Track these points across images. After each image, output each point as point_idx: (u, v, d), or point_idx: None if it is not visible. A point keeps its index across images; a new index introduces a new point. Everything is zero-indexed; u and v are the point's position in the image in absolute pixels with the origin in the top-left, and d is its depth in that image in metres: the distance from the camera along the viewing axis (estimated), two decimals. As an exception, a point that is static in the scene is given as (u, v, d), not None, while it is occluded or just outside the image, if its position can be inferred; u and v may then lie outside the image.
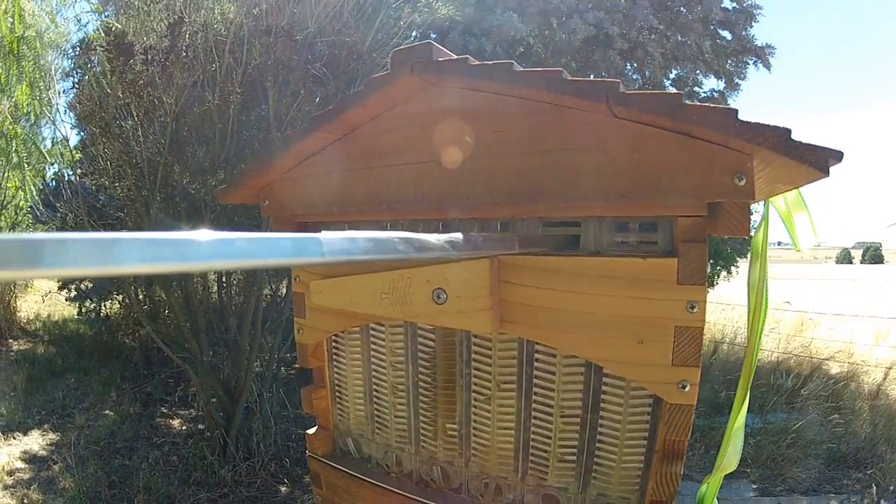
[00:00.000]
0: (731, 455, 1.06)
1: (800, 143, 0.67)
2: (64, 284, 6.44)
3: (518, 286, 0.90)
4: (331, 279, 1.07)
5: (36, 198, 4.86)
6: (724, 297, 7.00)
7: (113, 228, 3.68)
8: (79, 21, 5.76)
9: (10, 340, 6.17)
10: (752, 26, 5.99)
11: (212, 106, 3.02)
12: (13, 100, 4.07)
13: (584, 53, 5.43)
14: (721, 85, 6.34)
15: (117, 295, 5.73)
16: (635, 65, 5.84)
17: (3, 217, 5.49)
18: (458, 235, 0.64)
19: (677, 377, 0.80)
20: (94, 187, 4.01)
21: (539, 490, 0.98)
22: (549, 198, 0.86)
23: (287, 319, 3.66)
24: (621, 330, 0.82)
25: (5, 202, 5.50)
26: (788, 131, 0.67)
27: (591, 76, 5.14)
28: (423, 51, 0.90)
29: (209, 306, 3.81)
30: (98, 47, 3.10)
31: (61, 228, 4.33)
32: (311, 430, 1.28)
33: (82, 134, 4.01)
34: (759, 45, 6.03)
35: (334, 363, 1.23)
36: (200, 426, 4.01)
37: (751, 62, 6.16)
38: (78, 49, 3.73)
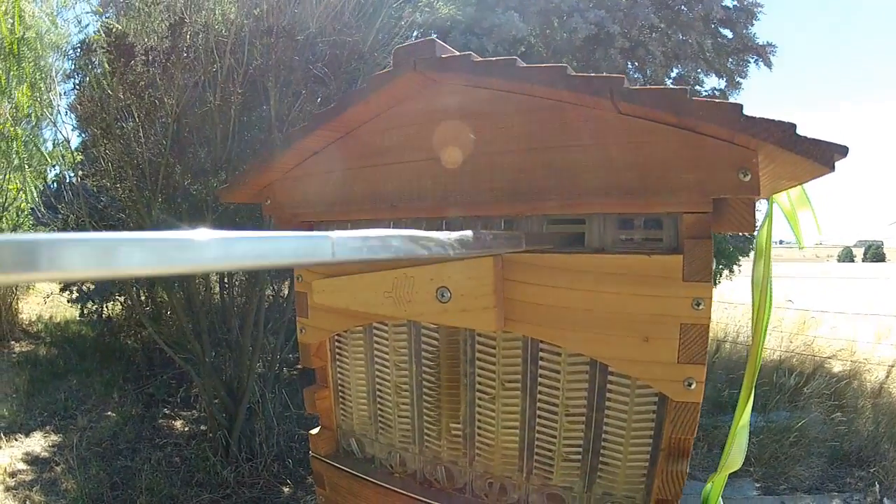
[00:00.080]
0: (735, 453, 1.06)
1: (805, 137, 0.66)
2: (66, 286, 6.45)
3: (522, 284, 0.89)
4: (333, 278, 1.07)
5: (37, 200, 4.86)
6: (725, 296, 6.99)
7: (115, 230, 3.67)
8: (79, 22, 5.77)
9: (12, 342, 6.17)
10: (752, 24, 5.98)
11: (213, 106, 3.01)
12: (14, 101, 4.07)
13: (585, 52, 5.43)
14: (722, 84, 6.33)
15: (119, 296, 5.74)
16: (636, 64, 5.82)
17: (4, 219, 5.49)
18: (469, 233, 0.64)
19: (683, 375, 0.79)
20: (95, 189, 4.00)
21: (544, 490, 0.97)
22: (553, 195, 0.85)
23: (289, 320, 3.66)
24: (626, 327, 0.82)
25: (6, 204, 5.49)
26: (794, 126, 0.67)
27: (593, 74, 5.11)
28: (426, 47, 0.90)
29: (211, 307, 3.81)
30: (99, 48, 3.10)
31: (63, 230, 4.33)
32: (314, 431, 1.27)
33: (83, 135, 4.02)
34: (761, 43, 6.02)
35: (337, 363, 1.23)
36: (203, 427, 4.01)
37: (752, 61, 6.15)
38: (79, 50, 3.73)
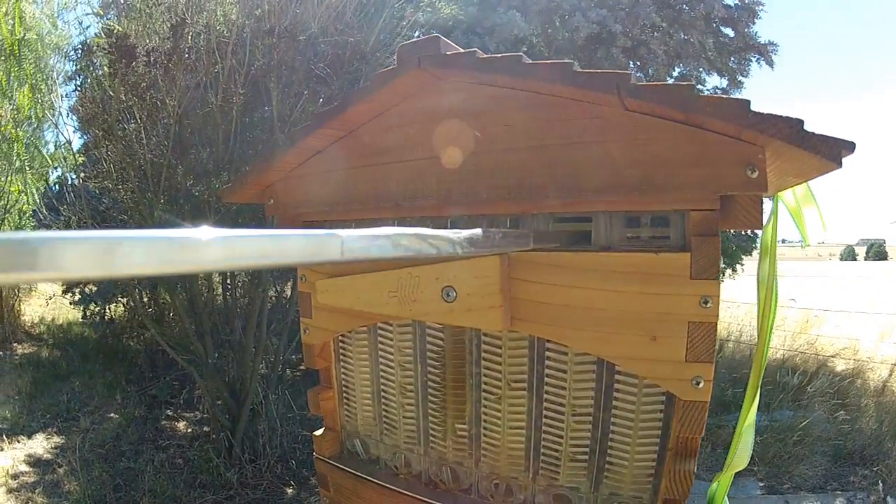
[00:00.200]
0: (741, 452, 1.05)
1: (813, 133, 0.66)
2: (68, 288, 6.45)
3: (528, 283, 0.89)
4: (337, 278, 1.06)
5: (39, 202, 4.86)
6: (729, 295, 6.97)
7: (116, 231, 3.67)
8: (80, 24, 5.76)
9: (15, 344, 6.17)
10: (754, 23, 5.97)
11: (215, 107, 3.01)
12: (15, 103, 4.07)
13: (586, 51, 5.42)
14: (724, 82, 6.33)
15: (122, 298, 5.74)
16: (638, 63, 5.82)
17: (6, 222, 5.49)
18: (478, 232, 0.63)
19: (691, 373, 0.78)
20: (97, 190, 4.00)
21: (550, 490, 0.96)
22: (558, 193, 0.85)
23: (292, 320, 3.65)
24: (634, 326, 0.81)
25: (8, 206, 5.49)
26: (801, 122, 0.66)
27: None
28: (430, 45, 0.89)
29: (214, 308, 3.80)
30: (100, 50, 3.10)
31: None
32: (318, 432, 1.27)
33: (85, 137, 4.02)
34: (762, 42, 6.01)
35: (341, 363, 1.22)
36: (206, 428, 4.01)
37: (753, 59, 6.14)
38: (80, 52, 3.73)
